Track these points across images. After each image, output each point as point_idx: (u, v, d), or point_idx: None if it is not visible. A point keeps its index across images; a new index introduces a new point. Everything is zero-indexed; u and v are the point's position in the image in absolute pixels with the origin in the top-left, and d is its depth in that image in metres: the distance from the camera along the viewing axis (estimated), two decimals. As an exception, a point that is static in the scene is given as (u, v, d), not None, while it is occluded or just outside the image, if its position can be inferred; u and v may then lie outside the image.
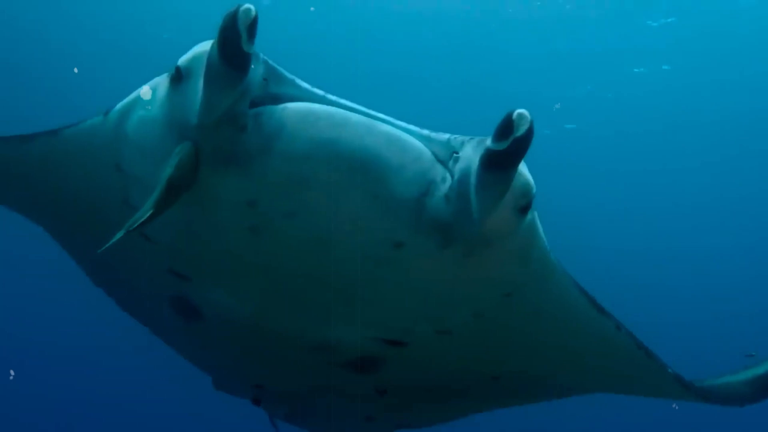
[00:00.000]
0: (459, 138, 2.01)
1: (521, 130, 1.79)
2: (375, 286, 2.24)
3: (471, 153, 1.95)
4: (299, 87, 2.01)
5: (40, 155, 2.59)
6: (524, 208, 2.06)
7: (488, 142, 1.86)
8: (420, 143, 1.98)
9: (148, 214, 1.97)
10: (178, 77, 2.05)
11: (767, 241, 19.98)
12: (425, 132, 2.02)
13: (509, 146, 1.82)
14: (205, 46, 1.98)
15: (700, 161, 18.31)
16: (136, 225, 1.97)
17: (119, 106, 2.33)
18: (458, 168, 1.97)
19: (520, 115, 1.78)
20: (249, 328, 2.58)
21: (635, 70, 15.34)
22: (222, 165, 2.00)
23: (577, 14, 13.85)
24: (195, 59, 2.02)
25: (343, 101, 2.00)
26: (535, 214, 2.25)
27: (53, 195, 2.74)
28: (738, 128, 16.97)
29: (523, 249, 2.29)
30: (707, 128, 17.09)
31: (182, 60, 2.05)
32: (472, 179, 1.92)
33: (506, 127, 1.80)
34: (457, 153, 1.99)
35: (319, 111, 1.93)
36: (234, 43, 1.79)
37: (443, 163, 2.00)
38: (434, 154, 1.99)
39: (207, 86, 1.89)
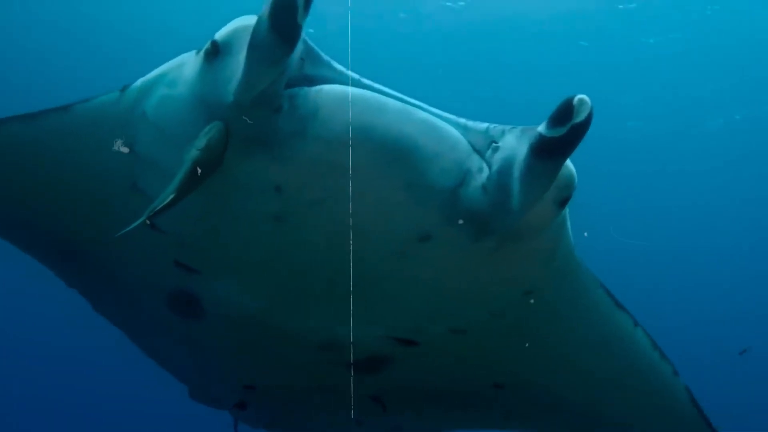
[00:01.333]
0: (498, 127, 1.94)
1: (581, 116, 1.70)
2: (397, 280, 2.18)
3: (514, 142, 1.87)
4: (335, 69, 1.95)
5: (43, 136, 2.45)
6: (564, 201, 2.00)
7: (541, 129, 1.78)
8: (456, 132, 1.92)
9: (169, 199, 1.88)
10: (215, 52, 1.95)
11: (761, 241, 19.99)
12: (462, 121, 1.96)
13: (566, 133, 1.73)
14: (248, 20, 1.90)
15: (697, 165, 18.34)
16: (157, 210, 1.89)
17: (138, 83, 2.23)
18: (498, 158, 1.90)
19: (581, 101, 1.69)
20: (255, 325, 2.49)
21: (636, 77, 15.38)
22: (252, 147, 1.92)
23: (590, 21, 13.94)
24: (236, 33, 1.93)
25: (377, 86, 1.94)
26: (567, 209, 2.18)
27: (50, 180, 2.57)
28: (739, 133, 17.01)
29: (551, 244, 2.22)
30: (709, 132, 17.13)
31: (221, 34, 1.96)
32: (516, 169, 1.85)
33: (564, 112, 1.71)
34: (496, 143, 1.92)
35: (355, 94, 1.86)
36: (289, 13, 1.70)
37: (480, 152, 1.94)
38: (471, 143, 1.93)
39: (250, 61, 1.80)
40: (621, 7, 13.51)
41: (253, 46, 1.78)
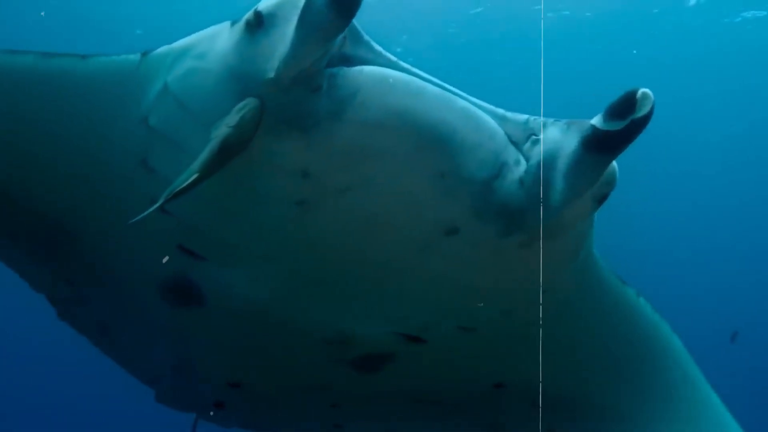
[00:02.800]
0: (539, 119, 1.90)
1: (643, 111, 1.66)
2: (416, 274, 2.11)
3: (559, 135, 1.83)
4: (374, 50, 1.89)
5: (55, 79, 2.24)
6: (603, 198, 1.95)
7: (595, 122, 1.74)
8: (494, 122, 1.88)
9: (192, 179, 1.78)
10: (258, 24, 1.85)
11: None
12: (500, 111, 1.92)
13: (626, 127, 1.68)
14: None
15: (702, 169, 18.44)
16: (177, 190, 1.79)
17: (162, 51, 2.12)
18: (539, 151, 1.85)
19: (645, 95, 1.65)
20: (259, 317, 2.38)
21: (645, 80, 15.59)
22: (284, 127, 1.84)
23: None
24: (282, 4, 1.84)
25: (415, 70, 1.88)
26: None
27: (52, 138, 2.34)
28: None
29: (578, 243, 2.18)
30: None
31: (266, 5, 1.86)
32: (561, 163, 1.80)
33: (625, 105, 1.67)
34: (536, 135, 1.88)
35: (395, 78, 1.81)
36: None
37: (516, 144, 1.89)
38: (507, 134, 1.89)
39: (299, 35, 1.72)
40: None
41: (305, 19, 1.70)
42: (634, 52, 14.93)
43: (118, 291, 2.72)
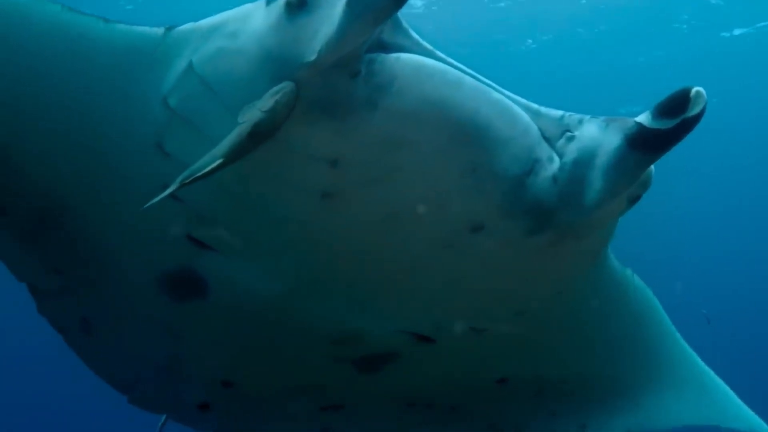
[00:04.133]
0: (575, 116, 1.87)
1: (695, 110, 1.62)
2: (436, 272, 2.07)
3: (597, 132, 1.79)
4: (411, 38, 1.84)
5: (75, 36, 2.09)
6: (636, 199, 1.93)
7: (642, 119, 1.71)
8: (528, 117, 1.85)
9: (216, 164, 1.71)
10: (300, 5, 1.79)
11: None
12: (534, 106, 1.89)
13: (676, 126, 1.65)
14: None
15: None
16: (197, 175, 1.72)
17: (186, 28, 2.03)
18: (574, 147, 1.82)
19: (698, 93, 1.61)
20: (265, 313, 2.30)
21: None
22: (316, 114, 1.77)
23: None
24: None
25: (450, 60, 1.84)
26: None
27: (65, 101, 2.17)
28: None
29: (602, 242, 2.17)
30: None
31: None
32: (600, 161, 1.77)
33: (677, 103, 1.63)
34: (570, 132, 1.85)
35: (432, 66, 1.77)
36: None
37: (550, 141, 1.86)
38: (541, 130, 1.86)
39: (348, 16, 1.66)
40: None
41: (354, 0, 1.66)
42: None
43: (111, 282, 2.56)
